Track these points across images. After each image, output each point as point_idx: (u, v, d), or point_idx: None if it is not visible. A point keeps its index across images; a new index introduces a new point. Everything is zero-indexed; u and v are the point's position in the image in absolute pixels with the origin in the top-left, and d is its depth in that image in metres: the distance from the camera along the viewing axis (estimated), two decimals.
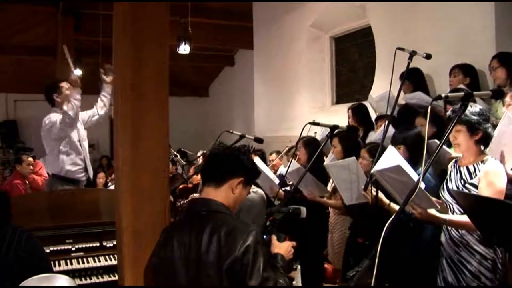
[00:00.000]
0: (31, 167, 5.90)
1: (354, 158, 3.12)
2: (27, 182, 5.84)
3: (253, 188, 3.46)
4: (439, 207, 2.31)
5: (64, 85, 4.12)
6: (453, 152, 2.92)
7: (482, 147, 2.42)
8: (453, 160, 2.61)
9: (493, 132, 2.44)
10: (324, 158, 4.12)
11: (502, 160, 2.51)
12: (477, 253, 2.36)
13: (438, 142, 2.85)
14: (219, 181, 1.86)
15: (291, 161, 3.36)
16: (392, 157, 2.38)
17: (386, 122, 3.03)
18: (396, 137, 3.00)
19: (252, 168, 1.96)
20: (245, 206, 3.20)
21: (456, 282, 2.42)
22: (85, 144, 4.27)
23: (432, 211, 2.29)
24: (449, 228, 2.48)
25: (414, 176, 2.21)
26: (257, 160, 3.88)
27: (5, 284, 2.22)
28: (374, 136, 4.04)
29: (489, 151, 2.48)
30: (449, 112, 2.52)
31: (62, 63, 8.68)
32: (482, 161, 2.38)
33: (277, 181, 3.79)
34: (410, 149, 2.87)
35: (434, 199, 2.31)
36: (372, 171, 2.41)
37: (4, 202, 2.41)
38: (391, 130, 3.35)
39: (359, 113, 4.51)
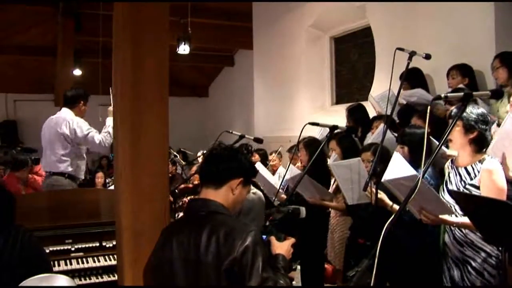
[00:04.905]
0: (27, 174, 5.96)
1: (358, 158, 3.13)
2: (21, 184, 5.84)
3: (252, 189, 3.45)
4: (453, 211, 2.30)
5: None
6: (447, 150, 2.92)
7: (477, 148, 2.41)
8: (449, 160, 2.61)
9: (490, 136, 2.43)
10: (327, 159, 4.10)
11: (504, 161, 2.50)
12: (482, 251, 2.37)
13: (436, 141, 2.86)
14: (218, 182, 1.86)
15: (289, 165, 3.34)
16: (400, 165, 2.36)
17: (385, 123, 3.02)
18: (403, 136, 2.99)
19: (250, 167, 1.95)
20: (245, 208, 3.20)
21: (461, 280, 2.42)
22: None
23: (445, 216, 2.28)
24: (453, 228, 2.48)
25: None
26: (259, 166, 3.88)
27: (9, 284, 2.22)
28: (371, 138, 4.02)
29: (491, 151, 2.48)
30: (453, 109, 2.51)
31: (62, 63, 8.72)
32: (480, 161, 2.39)
33: (277, 185, 3.79)
34: (414, 151, 2.86)
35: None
36: (383, 179, 2.40)
37: (9, 202, 2.41)
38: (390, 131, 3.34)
39: (356, 113, 4.49)
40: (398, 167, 2.34)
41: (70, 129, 4.02)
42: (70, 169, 4.06)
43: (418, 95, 3.87)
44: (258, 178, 3.68)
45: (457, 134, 2.40)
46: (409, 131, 2.99)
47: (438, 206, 2.27)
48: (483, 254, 2.36)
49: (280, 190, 3.70)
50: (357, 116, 4.47)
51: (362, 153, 3.32)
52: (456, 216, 2.42)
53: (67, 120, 4.05)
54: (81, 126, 4.06)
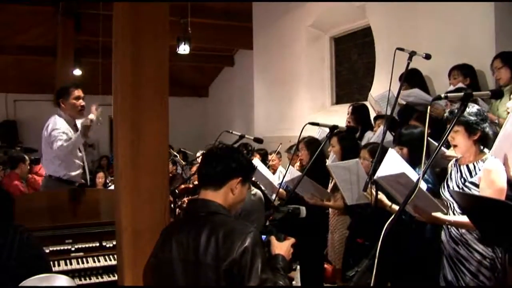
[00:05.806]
0: (26, 170, 5.95)
1: (357, 159, 3.12)
2: (23, 182, 5.85)
3: (252, 190, 3.45)
4: (445, 210, 2.30)
5: (76, 92, 3.96)
6: (447, 150, 2.92)
7: (481, 147, 2.43)
8: (453, 159, 2.61)
9: (491, 131, 2.44)
10: (326, 159, 4.10)
11: (505, 162, 2.50)
12: (476, 252, 2.37)
13: (435, 142, 2.87)
14: (218, 184, 1.85)
15: (289, 166, 3.34)
16: (394, 161, 2.37)
17: (384, 124, 3.01)
18: (401, 137, 2.96)
19: (248, 165, 1.94)
20: (246, 210, 3.20)
21: (455, 280, 2.42)
22: (82, 147, 4.13)
23: (438, 214, 2.29)
24: (449, 226, 2.48)
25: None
26: (256, 162, 3.88)
27: (9, 284, 2.22)
28: (372, 136, 4.02)
29: (492, 152, 2.48)
30: (446, 113, 2.51)
31: (62, 63, 8.72)
32: (482, 160, 2.39)
33: (276, 183, 3.78)
34: (413, 151, 2.85)
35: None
36: (375, 177, 2.40)
37: (7, 202, 2.41)
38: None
39: (358, 112, 4.48)
40: (391, 165, 2.34)
41: (47, 132, 3.88)
42: (58, 174, 3.92)
43: (415, 95, 3.86)
44: (256, 175, 3.67)
45: (461, 139, 2.40)
46: (406, 131, 2.96)
47: (430, 205, 2.27)
48: (476, 255, 2.36)
49: (279, 187, 3.70)
50: (359, 115, 4.47)
51: (361, 150, 3.32)
52: (454, 214, 2.42)
53: (49, 124, 3.92)
54: (54, 129, 3.83)
